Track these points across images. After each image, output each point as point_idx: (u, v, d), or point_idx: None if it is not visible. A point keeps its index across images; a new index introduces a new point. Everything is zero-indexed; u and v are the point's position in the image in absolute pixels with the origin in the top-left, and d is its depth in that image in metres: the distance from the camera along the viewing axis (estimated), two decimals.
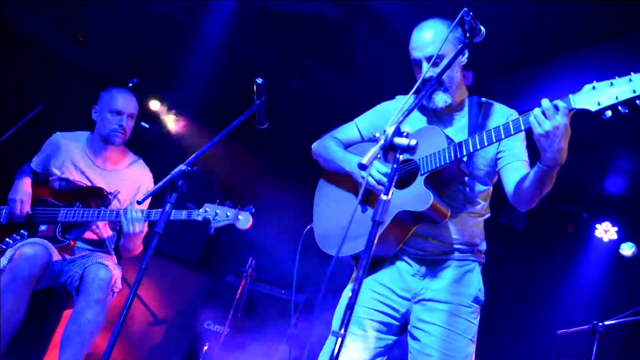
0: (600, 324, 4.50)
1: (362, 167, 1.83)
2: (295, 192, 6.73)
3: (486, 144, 2.23)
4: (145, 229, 3.32)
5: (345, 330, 1.69)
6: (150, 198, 3.30)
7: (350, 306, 1.71)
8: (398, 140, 1.91)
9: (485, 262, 2.56)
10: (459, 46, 2.41)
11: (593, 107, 1.98)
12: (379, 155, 1.89)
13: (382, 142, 1.89)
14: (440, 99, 2.46)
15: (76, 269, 3.32)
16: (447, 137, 2.37)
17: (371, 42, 4.52)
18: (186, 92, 5.67)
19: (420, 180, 2.34)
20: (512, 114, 2.52)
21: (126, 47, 5.41)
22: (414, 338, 2.41)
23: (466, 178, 2.44)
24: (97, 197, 3.49)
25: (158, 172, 3.57)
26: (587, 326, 4.56)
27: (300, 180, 6.71)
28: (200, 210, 3.19)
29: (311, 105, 5.80)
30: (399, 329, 2.46)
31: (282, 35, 4.91)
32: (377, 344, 2.43)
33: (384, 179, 2.37)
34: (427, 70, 2.40)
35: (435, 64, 2.41)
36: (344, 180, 2.62)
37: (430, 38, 2.41)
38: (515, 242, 5.82)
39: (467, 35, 2.32)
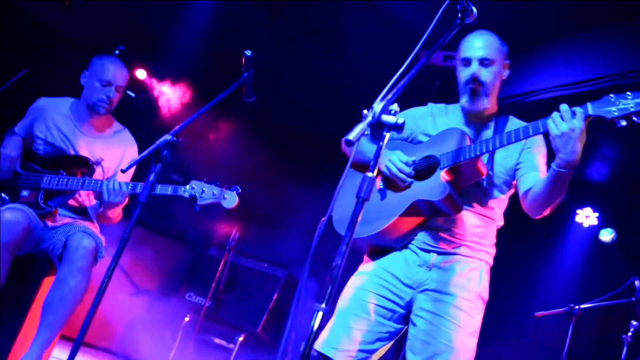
0: (577, 307, 4.60)
1: (349, 142, 1.83)
2: (280, 166, 6.73)
3: (505, 142, 2.35)
4: (126, 201, 3.31)
5: (327, 305, 1.71)
6: (134, 167, 3.30)
7: (333, 281, 1.73)
8: (386, 117, 1.92)
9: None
10: (506, 62, 2.65)
11: (608, 115, 2.15)
12: (366, 132, 1.90)
13: (369, 118, 1.90)
14: (481, 103, 2.58)
15: (59, 237, 3.29)
16: (470, 138, 2.49)
17: (363, 20, 4.48)
18: (174, 63, 5.60)
19: (438, 173, 2.44)
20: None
21: (114, 15, 5.31)
22: (414, 324, 2.47)
23: (484, 181, 2.54)
24: (82, 166, 3.45)
25: (143, 141, 3.53)
26: (564, 309, 4.66)
27: (285, 155, 6.72)
28: (187, 187, 3.17)
29: (301, 81, 5.76)
30: (402, 318, 2.52)
31: (273, 10, 4.84)
32: (379, 328, 2.49)
33: (406, 169, 2.49)
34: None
35: (485, 65, 2.56)
36: (364, 167, 2.59)
37: (482, 44, 2.57)
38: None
39: (459, 16, 2.31)
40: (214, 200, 3.15)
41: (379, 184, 2.61)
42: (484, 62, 2.55)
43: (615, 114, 2.14)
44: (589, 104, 2.20)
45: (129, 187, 3.24)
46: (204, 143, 5.92)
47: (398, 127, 1.91)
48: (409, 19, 3.95)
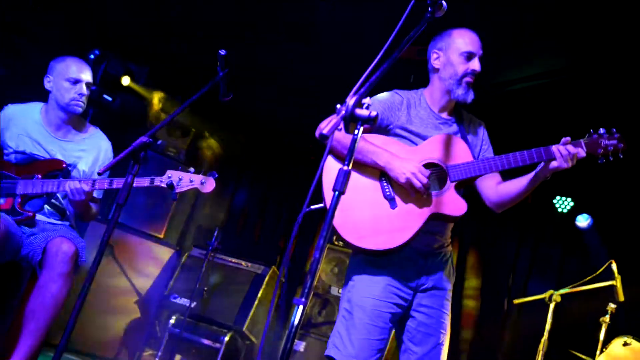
0: (555, 292, 4.69)
1: (323, 137, 1.86)
2: (256, 164, 6.74)
3: (513, 165, 2.56)
4: (89, 197, 3.32)
5: (307, 299, 1.74)
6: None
7: (312, 273, 1.76)
8: (359, 111, 1.95)
9: None
10: None
11: (595, 154, 2.52)
12: (340, 127, 1.93)
13: (343, 112, 1.93)
14: (471, 95, 2.73)
15: (38, 243, 3.27)
16: (470, 150, 2.68)
17: (334, 11, 4.47)
18: (151, 63, 5.56)
19: (450, 186, 2.59)
20: (483, 124, 2.89)
21: (85, 18, 5.26)
22: (415, 319, 2.66)
23: None
24: (56, 168, 3.44)
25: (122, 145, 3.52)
26: (542, 295, 4.74)
27: (261, 152, 6.73)
28: (164, 176, 3.19)
29: (274, 76, 5.75)
30: (398, 317, 2.68)
31: (244, 3, 4.78)
32: (389, 332, 2.65)
33: (428, 183, 2.55)
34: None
35: (480, 62, 2.73)
36: (367, 170, 2.64)
37: (480, 42, 2.76)
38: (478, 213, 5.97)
39: (429, 10, 2.34)
40: (192, 186, 3.19)
41: (387, 190, 2.62)
42: (481, 58, 2.72)
43: (600, 151, 2.51)
44: (583, 142, 2.53)
45: (88, 184, 3.26)
46: (181, 144, 5.89)
47: (371, 120, 1.94)
48: (383, 12, 3.97)
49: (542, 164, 2.54)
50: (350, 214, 2.59)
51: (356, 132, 1.94)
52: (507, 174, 2.70)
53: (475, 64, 2.70)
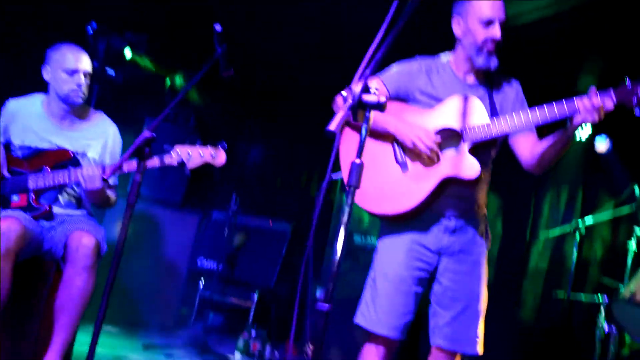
0: (581, 221, 4.66)
1: (330, 133, 1.78)
2: (265, 122, 6.66)
3: (532, 123, 2.45)
4: (105, 184, 3.31)
5: (330, 304, 1.73)
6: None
7: (334, 278, 1.74)
8: (367, 97, 1.86)
9: None
10: None
11: (629, 104, 2.30)
12: (348, 118, 1.84)
13: (349, 102, 1.84)
14: (494, 61, 2.61)
15: (59, 237, 3.29)
16: (490, 111, 2.59)
17: None
18: (150, 34, 5.39)
19: (463, 148, 2.54)
20: (517, 82, 2.75)
21: None
22: (441, 284, 2.64)
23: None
24: (64, 158, 3.40)
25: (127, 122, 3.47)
26: (568, 226, 4.72)
27: (269, 109, 6.63)
28: (173, 154, 3.14)
29: (275, 36, 5.56)
30: (426, 281, 2.69)
31: None
32: (415, 298, 2.64)
33: (436, 148, 2.52)
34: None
35: (501, 26, 2.58)
36: (380, 137, 2.67)
37: (501, 5, 2.61)
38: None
39: None
40: (203, 161, 3.14)
41: (399, 155, 2.63)
42: (502, 23, 2.59)
43: (635, 101, 2.28)
44: (612, 91, 2.31)
45: (100, 170, 3.21)
46: (188, 111, 5.81)
47: (380, 106, 1.85)
48: None
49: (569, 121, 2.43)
50: (368, 179, 2.58)
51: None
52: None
53: (494, 31, 2.56)
